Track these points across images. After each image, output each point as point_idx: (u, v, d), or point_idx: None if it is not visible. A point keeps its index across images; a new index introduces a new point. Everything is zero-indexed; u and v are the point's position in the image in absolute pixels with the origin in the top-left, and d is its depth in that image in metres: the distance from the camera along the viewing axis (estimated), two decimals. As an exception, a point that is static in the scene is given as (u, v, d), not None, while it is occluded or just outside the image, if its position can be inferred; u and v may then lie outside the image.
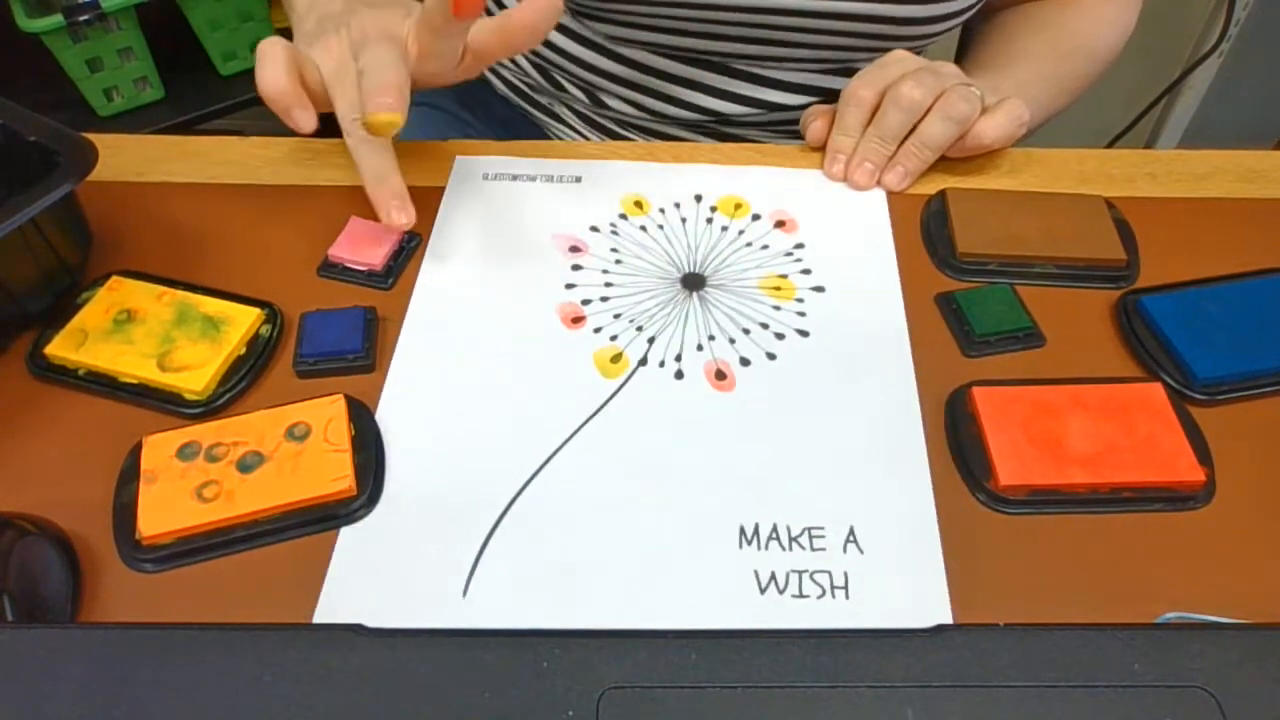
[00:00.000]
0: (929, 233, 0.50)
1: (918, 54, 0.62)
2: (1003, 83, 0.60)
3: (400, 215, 0.46)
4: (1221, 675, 0.26)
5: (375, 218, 0.49)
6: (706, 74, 0.62)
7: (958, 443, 0.40)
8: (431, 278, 0.48)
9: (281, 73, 0.45)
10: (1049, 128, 0.65)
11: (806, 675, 0.26)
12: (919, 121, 0.51)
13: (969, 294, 0.46)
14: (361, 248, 0.48)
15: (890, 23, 0.56)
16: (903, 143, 0.52)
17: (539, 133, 0.73)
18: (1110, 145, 0.81)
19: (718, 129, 0.65)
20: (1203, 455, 0.39)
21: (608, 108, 0.66)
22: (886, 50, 0.59)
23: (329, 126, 0.50)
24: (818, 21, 0.56)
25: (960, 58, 0.76)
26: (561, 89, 0.67)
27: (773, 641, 0.26)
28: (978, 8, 0.59)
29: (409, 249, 0.49)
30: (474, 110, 0.76)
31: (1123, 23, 0.66)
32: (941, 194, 0.51)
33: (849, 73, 0.59)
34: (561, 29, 0.62)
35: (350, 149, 0.48)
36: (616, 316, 0.46)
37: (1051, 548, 0.38)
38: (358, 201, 0.52)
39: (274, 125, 0.49)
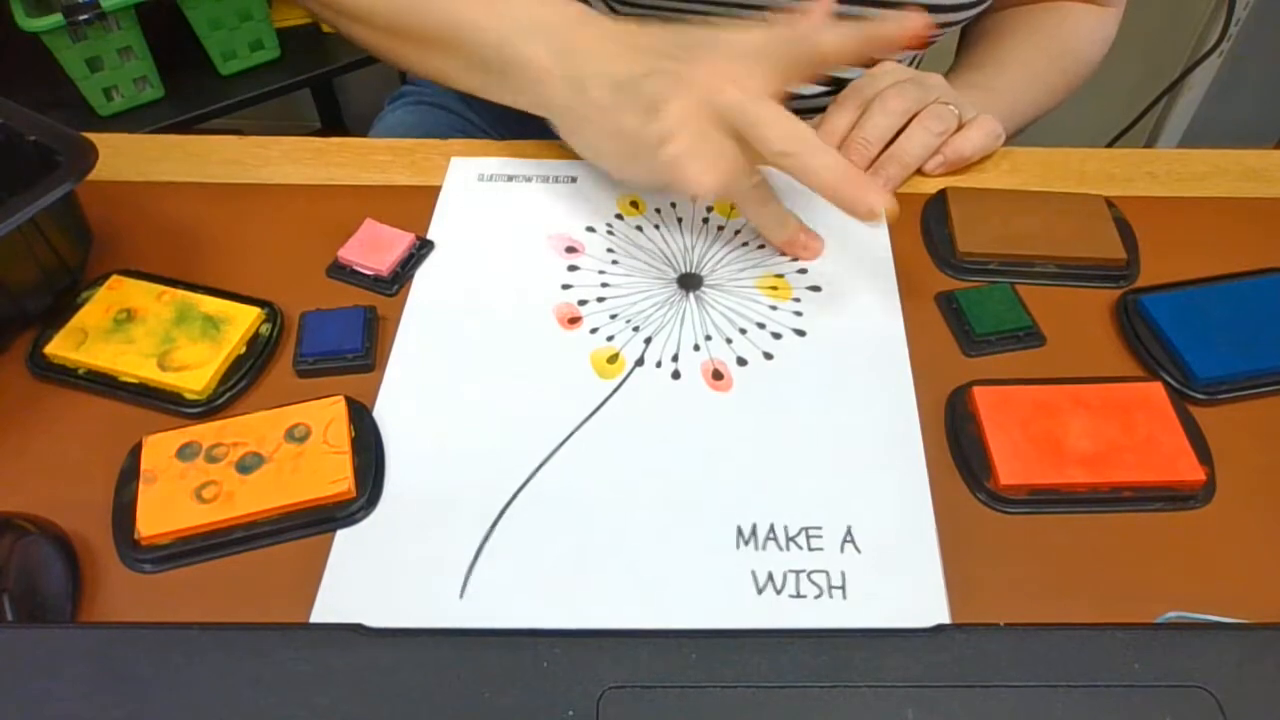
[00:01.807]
0: (929, 232, 0.50)
1: (930, 43, 0.62)
2: (995, 82, 0.61)
3: (815, 242, 0.47)
4: (1221, 675, 0.26)
5: (388, 221, 0.49)
6: None
7: (958, 442, 0.40)
8: (427, 279, 0.48)
9: (711, 168, 0.43)
10: (1049, 128, 0.66)
11: (806, 675, 0.26)
12: (901, 132, 0.52)
13: (969, 293, 0.46)
14: (371, 252, 0.47)
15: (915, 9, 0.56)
16: (883, 151, 0.52)
17: (543, 129, 0.73)
18: (1110, 145, 0.81)
19: None
20: (1203, 455, 0.39)
21: None
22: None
23: (329, 125, 0.50)
24: (838, 7, 0.56)
25: (956, 56, 0.76)
26: None
27: (773, 641, 0.26)
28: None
29: (418, 256, 0.49)
30: (477, 109, 0.75)
31: (1105, 33, 0.68)
32: (941, 193, 0.51)
33: (864, 61, 0.59)
34: None
35: (749, 212, 0.48)
36: (613, 317, 0.46)
37: (1051, 548, 0.38)
38: (357, 200, 0.52)
39: (274, 125, 0.49)
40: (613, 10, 0.59)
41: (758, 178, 0.46)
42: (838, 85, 0.62)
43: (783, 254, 0.49)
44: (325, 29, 1.23)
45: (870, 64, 0.47)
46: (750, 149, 0.44)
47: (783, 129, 0.43)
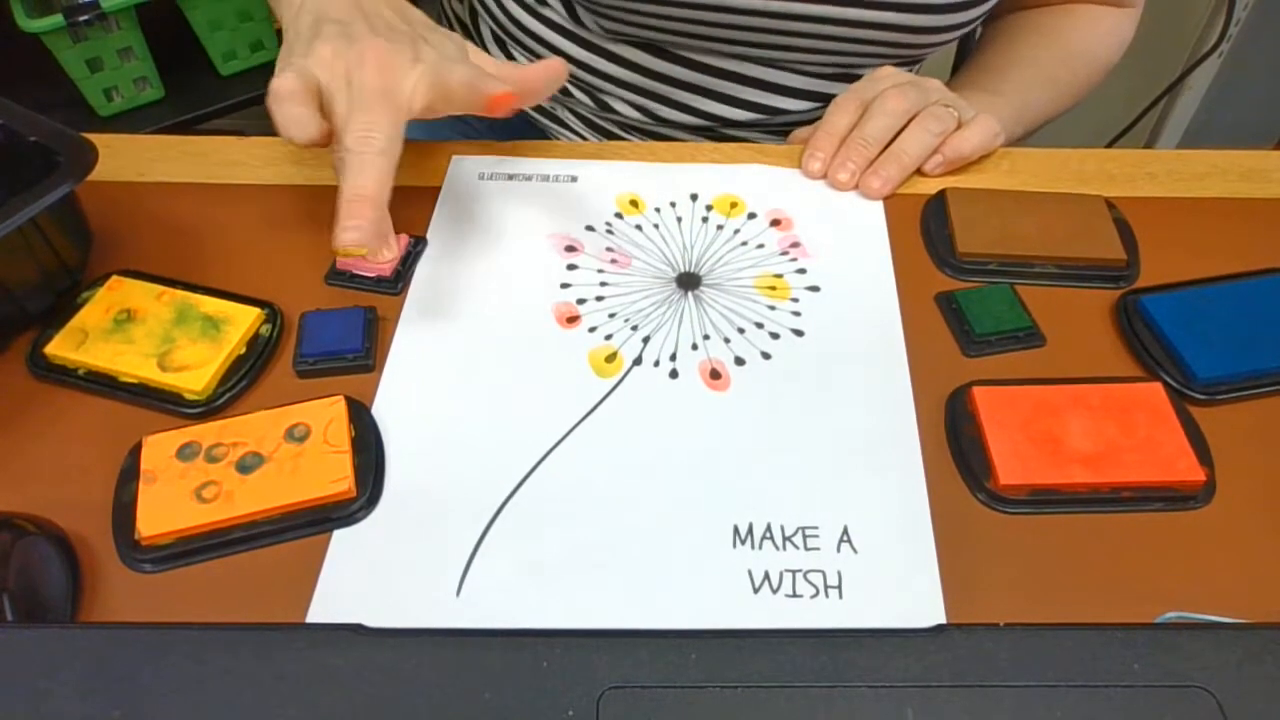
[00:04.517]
0: (929, 232, 0.50)
1: (921, 60, 0.62)
2: (1003, 84, 0.61)
3: (349, 235, 0.41)
4: (1221, 675, 0.26)
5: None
6: (712, 79, 0.62)
7: (958, 442, 0.40)
8: (427, 278, 0.48)
9: (308, 120, 0.42)
10: (1049, 128, 0.66)
11: (806, 675, 0.26)
12: (900, 133, 0.52)
13: (969, 294, 0.46)
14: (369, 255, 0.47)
15: (902, 30, 0.56)
16: (883, 151, 0.52)
17: (540, 136, 0.73)
18: (1110, 145, 0.81)
19: (720, 132, 0.65)
20: (1203, 455, 0.39)
21: (612, 111, 0.66)
22: (895, 56, 0.59)
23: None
24: (829, 28, 0.56)
25: (960, 61, 0.76)
26: (566, 93, 0.67)
27: (773, 641, 0.26)
28: (984, 18, 0.59)
29: (416, 253, 0.49)
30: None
31: (1122, 34, 0.67)
32: (941, 194, 0.51)
33: (854, 79, 0.60)
34: (567, 34, 0.62)
35: (335, 164, 0.44)
36: (611, 316, 0.46)
37: (1051, 548, 0.38)
38: (357, 201, 0.52)
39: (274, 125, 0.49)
40: (594, 12, 0.59)
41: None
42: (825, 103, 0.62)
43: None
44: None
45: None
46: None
47: (364, 127, 0.41)
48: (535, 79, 0.48)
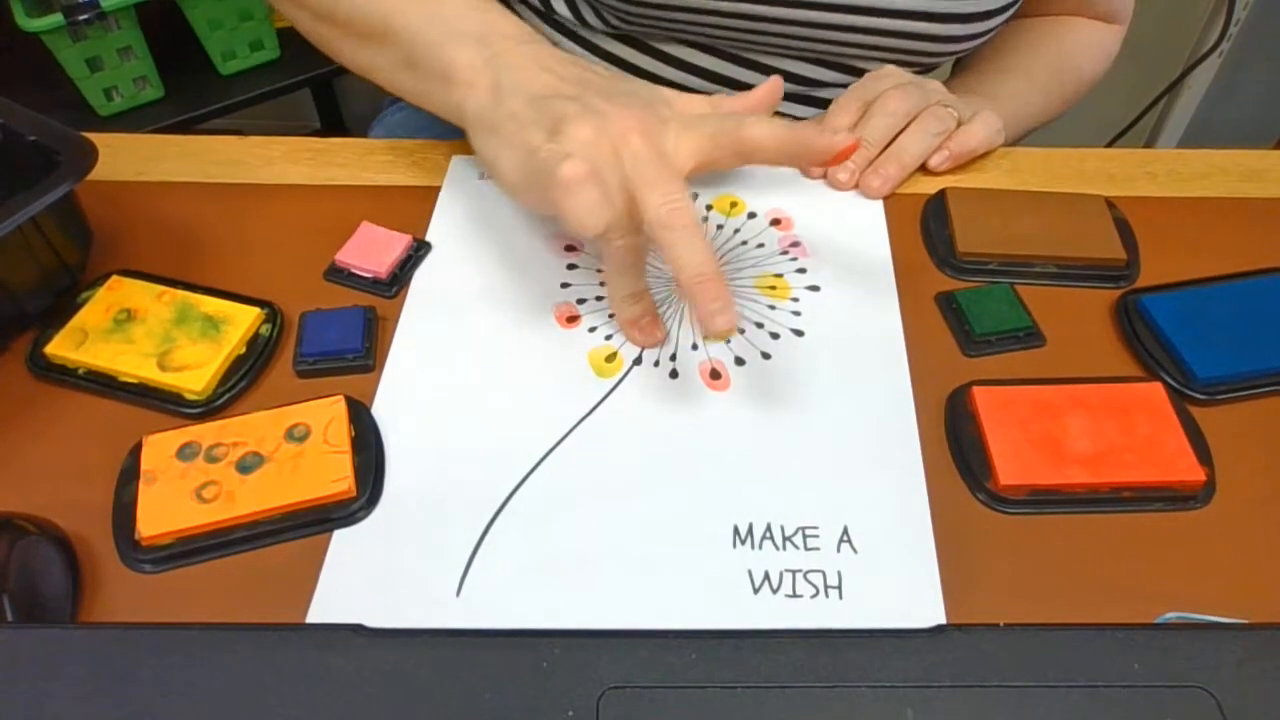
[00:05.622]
0: (929, 232, 0.50)
1: (935, 67, 0.63)
2: (998, 89, 0.62)
3: (658, 332, 0.43)
4: (1221, 675, 0.26)
5: (389, 222, 0.49)
6: (715, 86, 0.62)
7: (958, 442, 0.40)
8: (427, 277, 0.48)
9: (604, 204, 0.39)
10: (1049, 128, 0.66)
11: (807, 675, 0.26)
12: (900, 133, 0.53)
13: (969, 293, 0.46)
14: (369, 254, 0.47)
15: (930, 40, 0.57)
16: (884, 151, 0.53)
17: None
18: (1110, 145, 0.81)
19: None
20: (1203, 455, 0.39)
21: None
22: (910, 64, 0.59)
23: (329, 125, 0.49)
24: (841, 35, 0.56)
25: (958, 63, 0.76)
26: None
27: (773, 641, 0.26)
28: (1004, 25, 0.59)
29: (416, 258, 0.49)
30: None
31: (1108, 50, 0.68)
32: (941, 193, 0.51)
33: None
34: (574, 36, 0.62)
35: (607, 253, 0.42)
36: (611, 316, 0.46)
37: (1051, 548, 0.38)
38: (357, 200, 0.52)
39: (274, 124, 0.49)
40: (618, 14, 0.59)
41: (632, 239, 0.41)
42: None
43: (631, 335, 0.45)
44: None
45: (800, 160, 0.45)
46: (634, 206, 0.40)
47: (668, 199, 0.39)
48: (762, 103, 0.46)
